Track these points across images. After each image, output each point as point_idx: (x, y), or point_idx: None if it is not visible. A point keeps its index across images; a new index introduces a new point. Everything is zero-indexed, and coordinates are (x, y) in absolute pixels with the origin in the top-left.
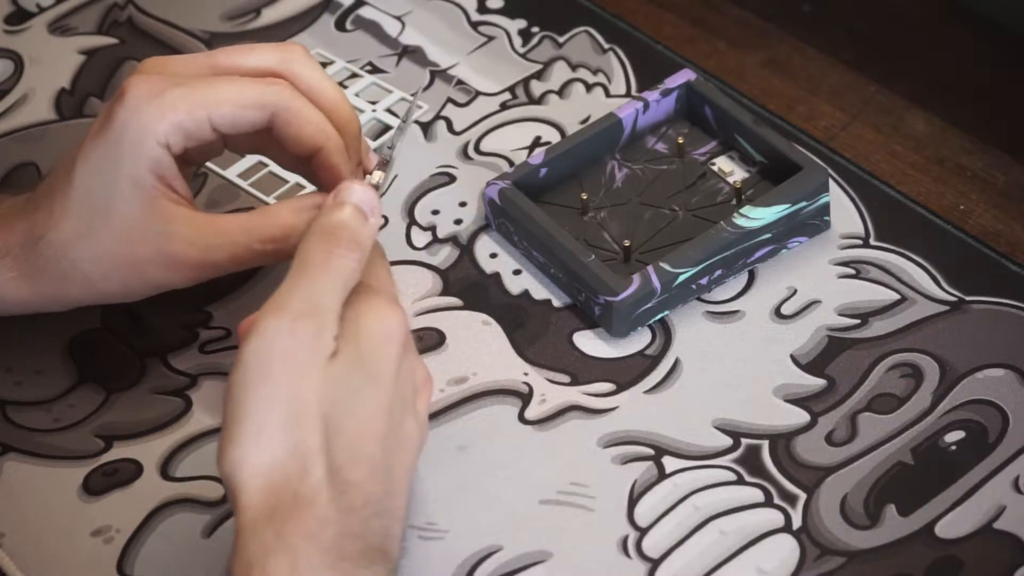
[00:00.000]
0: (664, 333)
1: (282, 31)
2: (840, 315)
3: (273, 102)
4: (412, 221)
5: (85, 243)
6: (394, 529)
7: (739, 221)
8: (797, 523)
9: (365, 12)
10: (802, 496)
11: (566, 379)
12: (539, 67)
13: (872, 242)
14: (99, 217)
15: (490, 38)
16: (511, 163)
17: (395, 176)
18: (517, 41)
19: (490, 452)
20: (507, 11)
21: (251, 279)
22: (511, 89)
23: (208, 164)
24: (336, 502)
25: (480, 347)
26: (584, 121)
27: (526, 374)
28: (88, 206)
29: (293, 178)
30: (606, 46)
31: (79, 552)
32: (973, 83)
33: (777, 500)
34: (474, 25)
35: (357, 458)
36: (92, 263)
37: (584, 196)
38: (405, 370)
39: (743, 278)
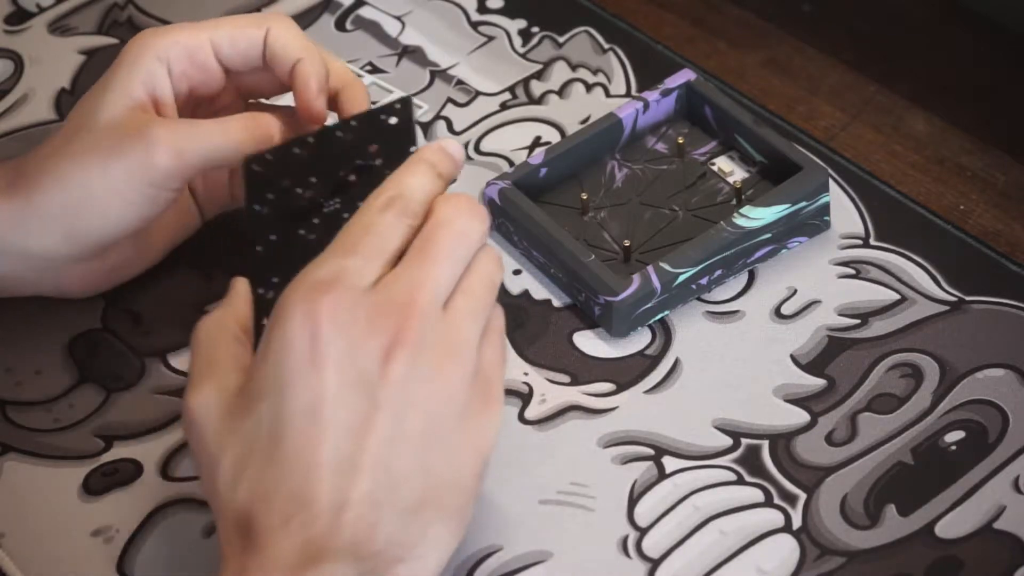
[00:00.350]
0: (664, 333)
1: None
2: (840, 315)
3: (267, 19)
4: None
5: (70, 150)
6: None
7: (739, 221)
8: (797, 523)
9: (365, 12)
10: (802, 496)
11: (566, 379)
12: (539, 67)
13: (872, 242)
14: (84, 125)
15: (490, 38)
16: (511, 163)
17: None
18: (517, 41)
19: None
20: (507, 11)
21: None
22: (511, 89)
23: None
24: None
25: None
26: (584, 121)
27: (526, 374)
28: (76, 117)
29: None
30: (606, 46)
31: (79, 552)
32: (973, 83)
33: (777, 500)
34: (474, 25)
35: (235, 480)
36: (71, 167)
37: (584, 196)
38: (322, 368)
39: (743, 278)
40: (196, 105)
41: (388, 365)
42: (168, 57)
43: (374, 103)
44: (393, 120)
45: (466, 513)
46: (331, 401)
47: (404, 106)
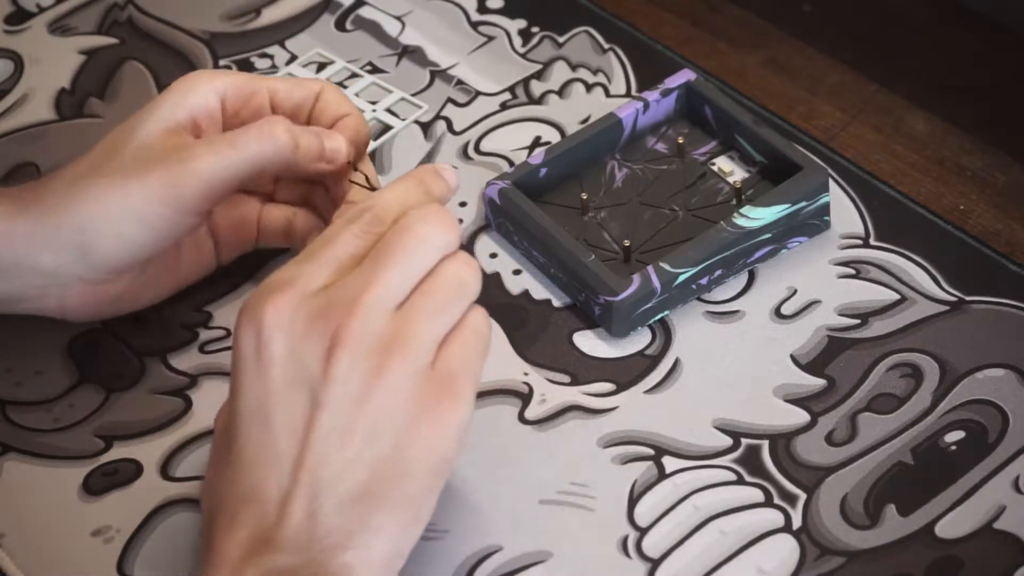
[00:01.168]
0: (664, 333)
1: (282, 31)
2: (840, 315)
3: (319, 84)
4: None
5: (100, 170)
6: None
7: (739, 221)
8: (797, 523)
9: (365, 12)
10: (802, 496)
11: (566, 379)
12: (539, 67)
13: (872, 242)
14: (120, 145)
15: (490, 38)
16: (511, 163)
17: None
18: (517, 41)
19: (490, 452)
20: (507, 11)
21: (251, 279)
22: (511, 89)
23: None
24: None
25: None
26: (584, 121)
27: (526, 374)
28: (115, 136)
29: None
30: (606, 46)
31: (79, 552)
32: (973, 83)
33: (777, 500)
34: (474, 25)
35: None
36: (99, 188)
37: (584, 196)
38: (272, 366)
39: (743, 278)
40: None
41: (329, 363)
42: (225, 92)
43: (374, 103)
44: None
45: (418, 505)
46: (275, 401)
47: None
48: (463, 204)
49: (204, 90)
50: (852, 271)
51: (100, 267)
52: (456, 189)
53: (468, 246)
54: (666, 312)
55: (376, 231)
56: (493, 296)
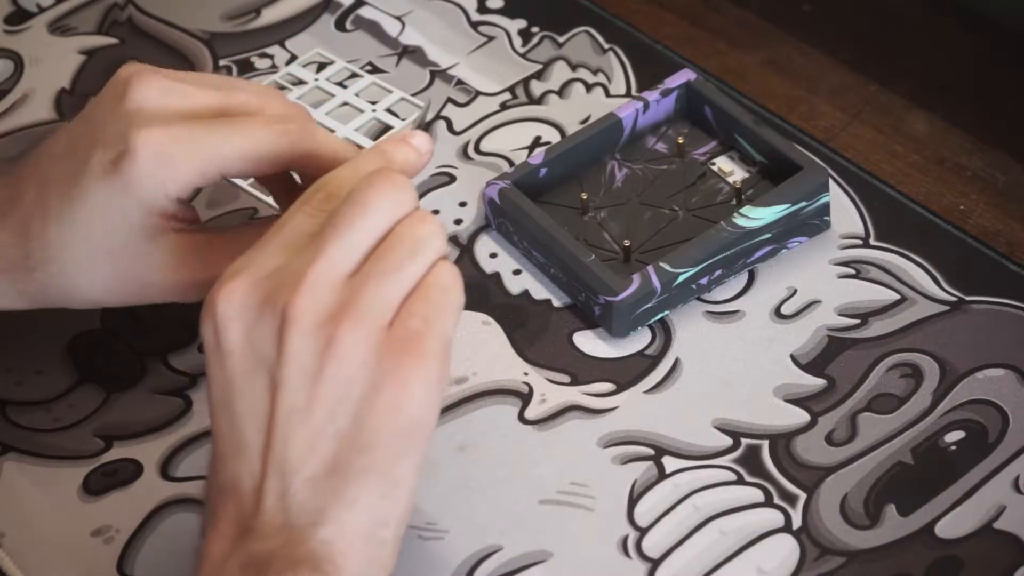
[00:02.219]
0: (664, 333)
1: (282, 31)
2: (840, 315)
3: (287, 149)
4: None
5: (90, 273)
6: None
7: (739, 221)
8: (797, 523)
9: (365, 12)
10: (802, 496)
11: (566, 379)
12: (539, 67)
13: (872, 242)
14: (104, 252)
15: (490, 38)
16: (511, 163)
17: None
18: (517, 41)
19: (490, 452)
20: (507, 11)
21: None
22: (511, 89)
23: None
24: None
25: (480, 347)
26: (584, 121)
27: (526, 374)
28: (91, 241)
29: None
30: (606, 46)
31: (79, 552)
32: (973, 83)
33: (777, 500)
34: (474, 25)
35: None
36: (100, 290)
37: (584, 196)
38: (232, 349)
39: (743, 278)
40: None
41: (281, 343)
42: (178, 193)
43: (374, 103)
44: None
45: (391, 471)
46: (236, 389)
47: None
48: (463, 204)
49: (161, 200)
50: (852, 271)
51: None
52: (429, 153)
53: (468, 246)
54: (666, 312)
55: (328, 208)
56: (493, 296)
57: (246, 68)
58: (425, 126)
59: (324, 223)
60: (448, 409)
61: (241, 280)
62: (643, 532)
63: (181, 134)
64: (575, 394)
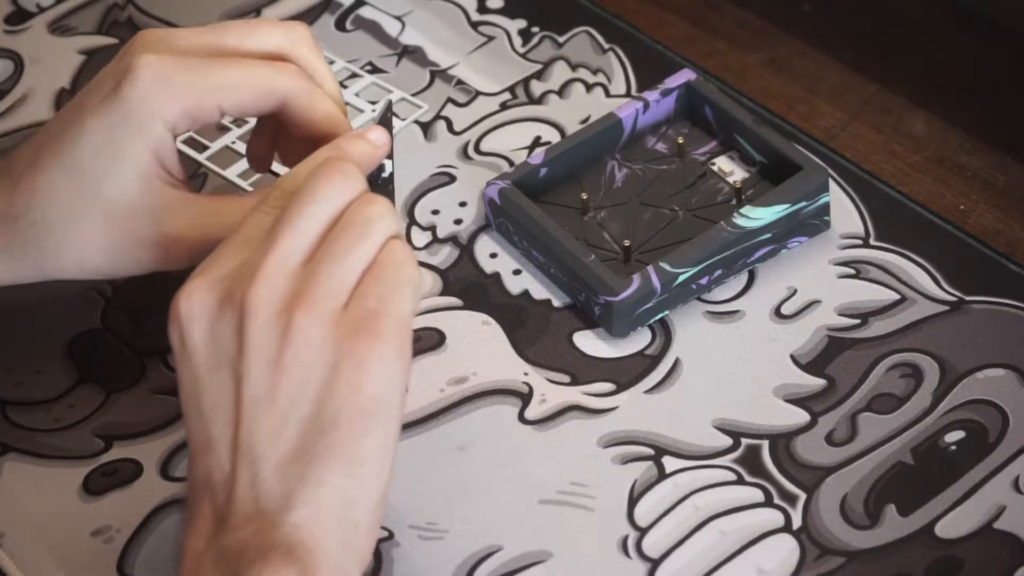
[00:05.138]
0: (664, 333)
1: None
2: (840, 315)
3: (283, 89)
4: (412, 221)
5: (76, 224)
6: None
7: (739, 221)
8: (797, 523)
9: (365, 12)
10: (802, 496)
11: (566, 379)
12: (539, 67)
13: (872, 242)
14: (93, 197)
15: (490, 38)
16: (511, 163)
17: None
18: (517, 41)
19: (490, 452)
20: (507, 11)
21: None
22: (511, 89)
23: (208, 164)
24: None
25: (480, 347)
26: (584, 121)
27: (526, 374)
28: (81, 185)
29: None
30: (606, 46)
31: (79, 552)
32: (973, 83)
33: (777, 500)
34: (474, 25)
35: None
36: (82, 243)
37: (584, 196)
38: (197, 345)
39: (743, 278)
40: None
41: (241, 335)
42: (175, 124)
43: (374, 103)
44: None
45: (355, 450)
46: (202, 387)
47: (385, 112)
48: (463, 204)
49: (158, 130)
50: (852, 271)
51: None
52: (385, 146)
53: (468, 246)
54: (666, 312)
55: (281, 204)
56: (493, 296)
57: None
58: (391, 119)
59: (277, 217)
60: (448, 409)
61: (201, 280)
62: (643, 532)
63: (183, 62)
64: (575, 394)
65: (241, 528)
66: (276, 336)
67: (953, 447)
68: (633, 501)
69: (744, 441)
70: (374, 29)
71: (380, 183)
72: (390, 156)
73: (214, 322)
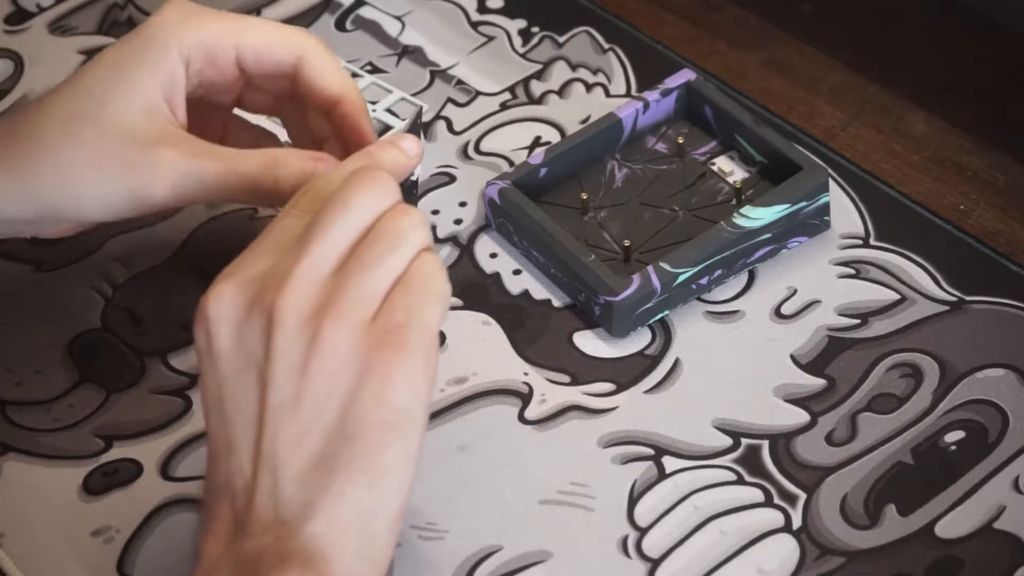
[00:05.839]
0: (664, 333)
1: None
2: (840, 315)
3: (301, 44)
4: None
5: (71, 139)
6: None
7: (739, 221)
8: (797, 523)
9: (365, 12)
10: (802, 496)
11: (566, 379)
12: (539, 67)
13: (872, 242)
14: (92, 115)
15: (490, 38)
16: (511, 163)
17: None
18: (517, 41)
19: (490, 452)
20: (507, 11)
21: None
22: (511, 89)
23: None
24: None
25: (480, 347)
26: (584, 121)
27: (526, 374)
28: (83, 104)
29: None
30: (606, 46)
31: (79, 552)
32: (973, 83)
33: (777, 500)
34: (474, 25)
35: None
36: (72, 159)
37: (584, 196)
38: (225, 348)
39: (743, 278)
40: (195, 103)
41: (269, 341)
42: (190, 56)
43: (374, 103)
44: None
45: (377, 461)
46: (227, 390)
47: (415, 120)
48: (463, 204)
49: (173, 59)
50: (852, 271)
51: (67, 223)
52: (417, 156)
53: (468, 246)
54: (666, 312)
55: (313, 208)
56: (493, 296)
57: None
58: (421, 127)
59: (308, 223)
60: (448, 409)
61: (230, 283)
62: (643, 532)
63: (208, 9)
64: (575, 394)
65: (260, 535)
66: (303, 344)
67: (953, 447)
68: (633, 501)
69: (744, 441)
70: (374, 29)
71: (407, 189)
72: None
73: (242, 325)
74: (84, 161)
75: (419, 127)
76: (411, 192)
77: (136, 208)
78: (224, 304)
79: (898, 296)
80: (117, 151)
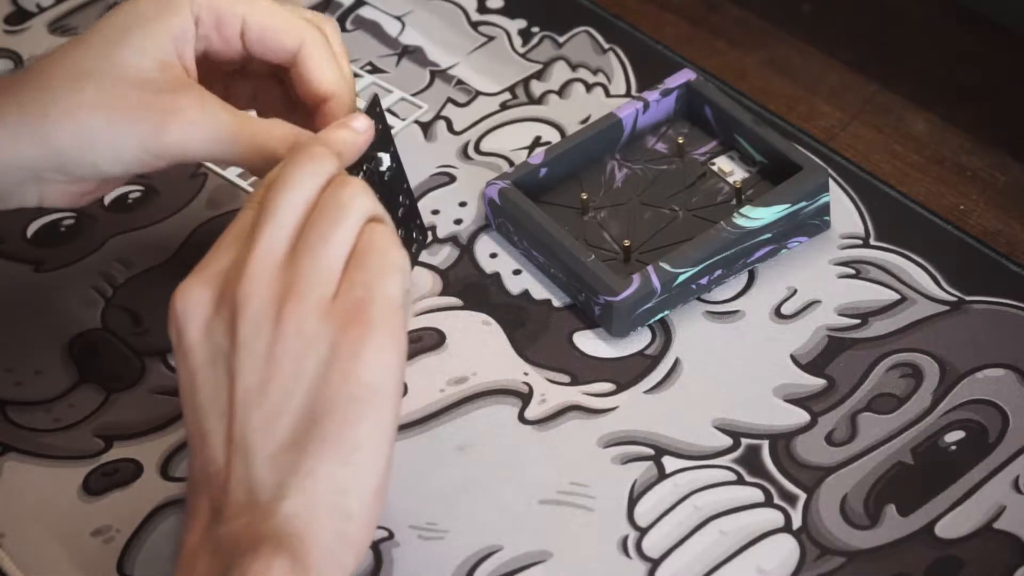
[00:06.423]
0: (664, 333)
1: None
2: (840, 315)
3: (305, 32)
4: None
5: (81, 84)
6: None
7: (739, 221)
8: (797, 523)
9: (365, 12)
10: (802, 496)
11: (566, 379)
12: (539, 67)
13: (872, 242)
14: (105, 60)
15: (490, 38)
16: (511, 163)
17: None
18: (517, 41)
19: (490, 452)
20: (507, 11)
21: None
22: (511, 89)
23: (208, 164)
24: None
25: (480, 347)
26: (584, 121)
27: (526, 374)
28: (96, 50)
29: None
30: (606, 46)
31: (79, 552)
32: (973, 83)
33: (777, 500)
34: (474, 25)
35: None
36: (82, 102)
37: (584, 196)
38: (197, 346)
39: (743, 278)
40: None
41: (234, 331)
42: (199, 15)
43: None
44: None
45: (347, 437)
46: (198, 384)
47: (371, 106)
48: (463, 204)
49: (185, 16)
50: (852, 271)
51: (76, 178)
52: (365, 132)
53: (468, 246)
54: (666, 312)
55: (262, 196)
56: (493, 296)
57: None
58: (380, 114)
59: (256, 210)
60: (448, 409)
61: (195, 279)
62: (643, 532)
63: None
64: (575, 394)
65: (235, 519)
66: (267, 331)
67: (953, 447)
68: (633, 501)
69: (744, 441)
70: (374, 29)
71: (380, 179)
72: (388, 151)
73: (209, 319)
74: (94, 102)
75: (378, 113)
76: (390, 183)
77: (145, 160)
78: (191, 300)
79: (898, 296)
80: (131, 95)
